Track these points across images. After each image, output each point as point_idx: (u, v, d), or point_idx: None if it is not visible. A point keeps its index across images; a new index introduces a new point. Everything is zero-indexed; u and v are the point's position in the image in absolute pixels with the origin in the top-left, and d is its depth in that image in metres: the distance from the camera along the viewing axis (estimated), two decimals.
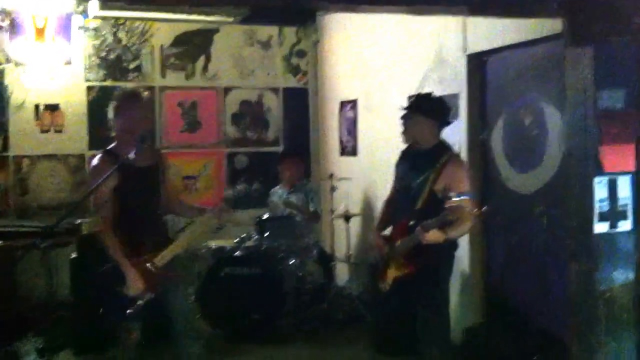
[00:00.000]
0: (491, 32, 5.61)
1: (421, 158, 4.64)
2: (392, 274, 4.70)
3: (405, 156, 4.87)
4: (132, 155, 4.33)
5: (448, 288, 4.89)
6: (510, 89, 5.66)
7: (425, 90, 6.38)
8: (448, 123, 4.82)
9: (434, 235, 4.34)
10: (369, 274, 6.40)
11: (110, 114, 4.63)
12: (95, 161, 4.59)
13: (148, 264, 4.46)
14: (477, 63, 5.95)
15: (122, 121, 4.56)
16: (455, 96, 6.08)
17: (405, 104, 6.63)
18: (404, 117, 4.81)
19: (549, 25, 4.87)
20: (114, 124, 4.63)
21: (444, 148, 4.71)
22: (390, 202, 5.04)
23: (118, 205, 4.47)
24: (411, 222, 4.49)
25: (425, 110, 4.66)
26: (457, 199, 4.32)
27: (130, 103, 4.61)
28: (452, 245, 4.71)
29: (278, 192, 7.59)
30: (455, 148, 5.97)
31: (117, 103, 4.62)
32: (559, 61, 4.69)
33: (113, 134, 4.69)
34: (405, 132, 4.84)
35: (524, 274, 5.57)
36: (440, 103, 4.81)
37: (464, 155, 5.94)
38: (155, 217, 4.67)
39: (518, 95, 5.56)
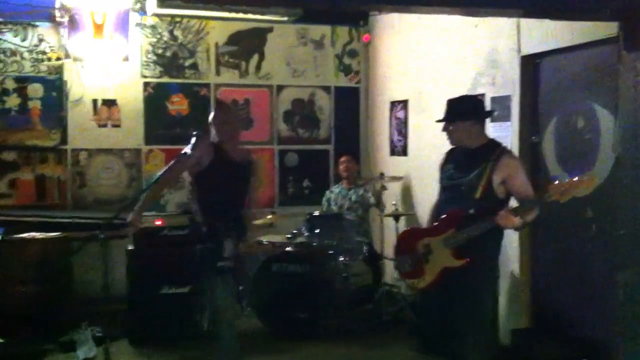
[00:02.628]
0: (545, 34, 5.60)
1: (472, 156, 4.51)
2: (436, 267, 4.51)
3: (451, 156, 4.74)
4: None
5: (497, 277, 4.84)
6: (563, 92, 5.64)
7: (478, 91, 6.45)
8: (489, 115, 4.73)
9: (517, 220, 4.21)
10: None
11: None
12: None
13: None
14: (530, 65, 5.94)
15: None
16: (507, 98, 6.08)
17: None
18: (444, 127, 4.73)
19: (604, 29, 4.85)
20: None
21: (495, 144, 4.60)
22: (438, 205, 4.83)
23: None
24: (471, 211, 4.37)
25: (462, 114, 4.55)
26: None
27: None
28: (501, 233, 4.52)
29: (335, 191, 7.73)
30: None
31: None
32: (613, 65, 4.68)
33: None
34: (451, 139, 4.75)
35: (573, 278, 5.55)
36: (472, 101, 4.78)
37: None
38: None
39: (571, 98, 5.54)
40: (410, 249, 4.63)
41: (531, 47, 5.82)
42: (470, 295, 4.48)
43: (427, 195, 6.95)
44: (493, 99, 6.29)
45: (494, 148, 4.51)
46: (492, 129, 6.27)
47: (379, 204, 7.36)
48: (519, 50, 5.93)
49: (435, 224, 4.61)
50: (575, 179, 4.03)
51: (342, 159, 7.89)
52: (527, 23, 5.76)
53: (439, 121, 4.69)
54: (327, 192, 7.92)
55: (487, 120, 5.10)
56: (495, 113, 6.08)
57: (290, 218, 7.94)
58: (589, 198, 5.26)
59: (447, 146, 5.01)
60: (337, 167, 8.07)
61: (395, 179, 7.47)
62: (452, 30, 6.92)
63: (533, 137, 5.95)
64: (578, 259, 5.47)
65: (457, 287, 4.49)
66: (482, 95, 6.41)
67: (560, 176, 5.55)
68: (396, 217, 7.22)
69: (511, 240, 6.03)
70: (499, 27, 6.11)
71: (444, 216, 4.55)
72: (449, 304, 4.57)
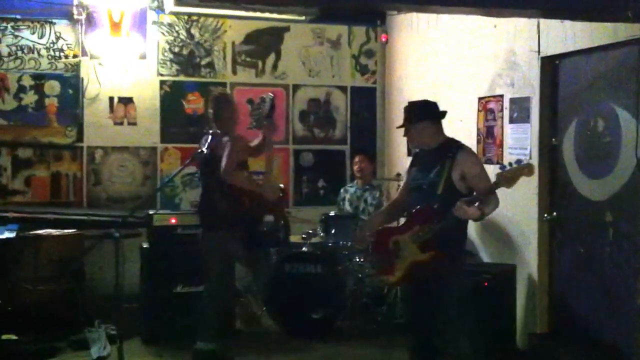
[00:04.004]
0: (565, 35, 5.54)
1: (432, 155, 4.70)
2: (405, 262, 4.62)
3: (415, 159, 4.92)
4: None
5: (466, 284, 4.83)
6: (583, 94, 5.57)
7: (497, 92, 6.40)
8: (442, 116, 4.85)
9: (473, 210, 4.37)
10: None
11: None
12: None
13: None
14: (550, 66, 5.87)
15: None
16: (526, 99, 6.02)
17: (473, 105, 6.69)
18: (404, 133, 4.87)
19: (625, 30, 4.79)
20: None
21: (452, 142, 4.76)
22: (396, 204, 5.07)
23: None
24: (435, 206, 4.51)
25: (416, 117, 4.74)
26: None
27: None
28: (464, 225, 4.68)
29: (350, 190, 7.66)
30: (526, 152, 5.95)
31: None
32: (634, 66, 4.62)
33: None
34: (411, 142, 4.89)
35: (591, 283, 5.48)
36: (424, 104, 4.91)
37: (534, 159, 5.88)
38: None
39: (591, 100, 5.47)
40: (384, 247, 4.79)
41: (551, 48, 5.76)
42: (439, 288, 4.57)
43: None
44: (512, 100, 6.23)
45: (451, 146, 4.69)
46: (511, 131, 6.24)
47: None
48: (539, 51, 5.86)
49: (405, 221, 4.78)
50: (515, 166, 4.29)
51: (356, 158, 7.84)
52: (546, 24, 5.70)
53: (399, 127, 4.90)
54: (342, 191, 7.83)
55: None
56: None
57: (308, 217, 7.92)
58: (608, 202, 5.25)
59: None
60: (353, 166, 8.02)
61: None
62: (470, 31, 6.85)
63: (553, 139, 5.89)
64: (597, 263, 5.40)
65: (426, 283, 4.60)
66: (501, 96, 6.37)
67: (579, 179, 5.52)
68: None
69: (529, 244, 5.99)
70: (519, 27, 6.05)
71: (411, 214, 4.70)
72: (426, 304, 4.64)
